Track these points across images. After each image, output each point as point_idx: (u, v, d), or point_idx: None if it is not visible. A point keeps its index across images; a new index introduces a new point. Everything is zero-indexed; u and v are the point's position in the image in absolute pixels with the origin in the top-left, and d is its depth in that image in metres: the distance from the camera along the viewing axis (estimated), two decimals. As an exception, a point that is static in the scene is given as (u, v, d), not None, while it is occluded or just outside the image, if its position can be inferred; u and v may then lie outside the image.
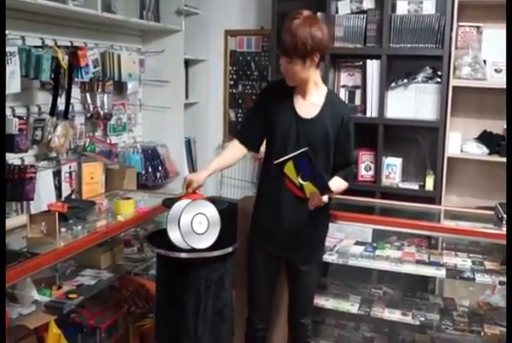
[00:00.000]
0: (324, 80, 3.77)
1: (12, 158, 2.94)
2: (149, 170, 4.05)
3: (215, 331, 2.49)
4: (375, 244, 3.02)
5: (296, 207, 2.47)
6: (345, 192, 3.31)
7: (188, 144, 4.62)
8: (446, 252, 2.94)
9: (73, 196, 3.32)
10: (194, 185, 2.48)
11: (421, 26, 3.56)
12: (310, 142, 2.43)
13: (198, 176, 2.51)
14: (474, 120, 3.71)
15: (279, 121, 2.49)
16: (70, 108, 3.29)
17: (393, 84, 3.71)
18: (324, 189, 2.29)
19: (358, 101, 3.84)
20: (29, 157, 3.10)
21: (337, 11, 3.81)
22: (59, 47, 3.13)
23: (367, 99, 3.76)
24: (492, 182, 3.61)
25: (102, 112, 3.61)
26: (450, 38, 3.47)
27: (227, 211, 2.59)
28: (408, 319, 2.82)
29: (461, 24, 3.50)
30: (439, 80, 3.59)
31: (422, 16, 3.57)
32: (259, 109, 2.63)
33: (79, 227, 2.73)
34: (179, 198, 2.51)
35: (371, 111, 3.75)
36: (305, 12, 2.38)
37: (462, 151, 3.61)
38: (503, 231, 2.58)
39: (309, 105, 2.50)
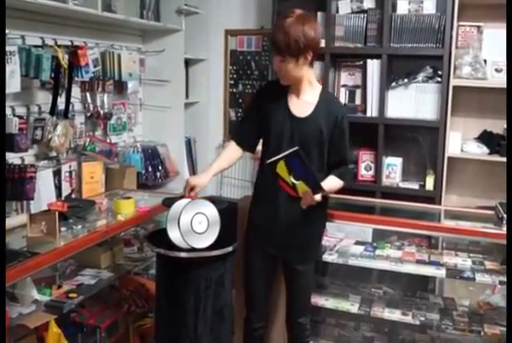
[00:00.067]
0: (325, 80, 3.81)
1: (12, 158, 2.94)
2: (149, 169, 4.05)
3: (215, 330, 2.49)
4: (375, 244, 3.02)
5: (291, 206, 2.47)
6: (346, 192, 3.32)
7: (189, 143, 4.62)
8: (446, 251, 2.94)
9: (73, 196, 3.31)
10: (197, 190, 2.49)
11: (421, 25, 3.55)
12: (304, 141, 2.44)
13: (200, 180, 2.52)
14: (474, 120, 3.71)
15: (273, 121, 2.50)
16: (70, 107, 3.28)
17: (393, 83, 3.71)
18: (317, 188, 2.29)
19: (358, 101, 3.84)
20: (29, 157, 3.10)
21: (337, 11, 3.81)
22: (59, 46, 3.13)
23: (368, 99, 3.76)
24: (492, 182, 3.61)
25: (102, 112, 3.61)
26: (451, 38, 3.47)
27: (227, 210, 2.59)
28: (408, 319, 2.82)
29: (461, 23, 3.50)
30: (439, 80, 3.58)
31: (422, 16, 3.57)
32: (254, 109, 2.65)
33: (79, 226, 2.73)
34: (181, 198, 2.51)
35: (371, 111, 3.75)
36: (298, 11, 2.38)
37: (462, 150, 3.61)
38: (504, 230, 2.58)
39: (303, 104, 2.50)
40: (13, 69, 2.77)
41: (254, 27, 4.50)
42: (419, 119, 3.67)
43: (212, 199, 2.57)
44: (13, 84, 2.78)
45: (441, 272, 2.74)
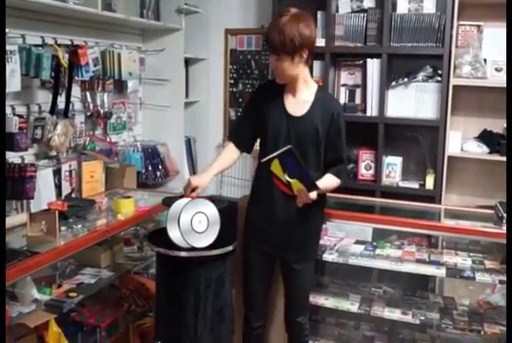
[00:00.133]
0: (325, 79, 3.81)
1: (13, 157, 2.94)
2: (149, 168, 4.05)
3: (215, 329, 2.49)
4: (375, 243, 3.02)
5: (287, 205, 2.47)
6: (346, 191, 3.33)
7: (189, 143, 4.62)
8: (446, 251, 2.94)
9: (73, 195, 3.31)
10: (198, 190, 2.49)
11: (421, 25, 3.55)
12: (301, 139, 2.45)
13: (202, 180, 2.52)
14: (474, 119, 3.71)
15: (270, 120, 2.51)
16: (71, 106, 3.28)
17: (393, 83, 3.71)
18: (311, 186, 2.29)
19: (358, 100, 3.84)
20: (29, 156, 3.10)
21: (337, 10, 3.81)
22: (59, 45, 3.13)
23: (368, 98, 3.76)
24: (492, 181, 3.62)
25: (102, 111, 3.60)
26: (450, 37, 3.47)
27: (227, 209, 2.59)
28: (408, 318, 2.82)
29: (461, 23, 3.50)
30: (439, 79, 3.59)
31: (422, 15, 3.57)
32: (250, 109, 2.66)
33: (79, 225, 2.74)
34: (181, 197, 2.51)
35: (371, 110, 3.75)
36: (293, 10, 2.39)
37: (462, 149, 3.61)
38: (503, 230, 2.58)
39: (299, 102, 2.51)
40: (14, 68, 2.77)
41: (254, 26, 4.50)
42: (419, 118, 3.67)
43: (212, 198, 2.56)
44: (14, 83, 2.78)
45: (441, 272, 2.74)
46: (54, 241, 2.47)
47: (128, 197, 3.06)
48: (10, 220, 2.67)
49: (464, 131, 3.67)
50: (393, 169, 3.76)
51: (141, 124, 4.25)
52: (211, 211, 2.43)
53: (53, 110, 3.14)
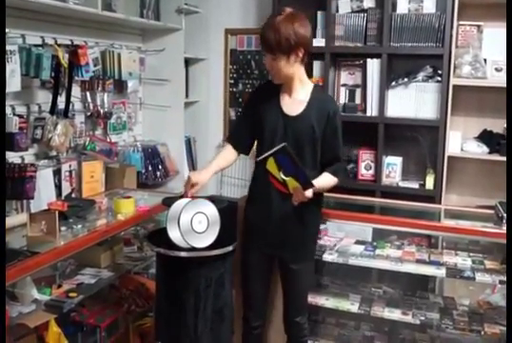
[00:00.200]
0: (325, 79, 3.81)
1: (13, 157, 2.94)
2: (149, 168, 4.05)
3: (215, 330, 2.49)
4: (375, 243, 3.02)
5: (284, 203, 2.47)
6: (345, 191, 3.33)
7: (189, 143, 4.62)
8: (446, 251, 2.94)
9: (73, 195, 3.31)
10: (198, 187, 2.49)
11: (421, 25, 3.56)
12: (297, 139, 2.45)
13: (202, 177, 2.52)
14: (474, 119, 3.71)
15: (266, 120, 2.52)
16: (71, 106, 3.28)
17: (393, 83, 3.72)
18: (307, 184, 2.29)
19: (358, 100, 3.84)
20: (29, 156, 3.10)
21: (337, 10, 3.81)
22: (59, 45, 3.13)
23: (368, 98, 3.76)
24: (492, 181, 3.62)
25: (102, 111, 3.60)
26: (450, 37, 3.47)
27: (227, 209, 2.58)
28: (408, 318, 2.82)
29: (461, 23, 3.50)
30: (439, 79, 3.59)
31: (422, 15, 3.57)
32: (247, 111, 2.68)
33: (79, 226, 2.74)
34: (181, 197, 2.51)
35: (371, 110, 3.75)
36: (288, 9, 2.40)
37: (462, 149, 3.61)
38: (503, 230, 2.58)
39: (295, 102, 2.51)
40: (14, 68, 2.77)
41: (254, 26, 4.49)
42: (419, 118, 3.68)
43: (212, 198, 2.56)
44: (14, 83, 2.78)
45: (441, 272, 2.74)
46: (54, 241, 2.47)
47: (128, 197, 3.06)
48: (10, 220, 2.67)
49: (464, 131, 3.67)
50: (393, 169, 3.77)
51: (141, 124, 4.25)
52: (211, 211, 2.43)
53: (53, 110, 3.14)
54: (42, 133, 3.10)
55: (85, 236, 2.62)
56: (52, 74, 3.06)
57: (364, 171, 3.85)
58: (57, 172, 3.23)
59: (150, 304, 3.08)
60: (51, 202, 2.67)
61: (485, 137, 3.63)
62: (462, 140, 3.62)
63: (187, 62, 4.49)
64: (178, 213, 2.34)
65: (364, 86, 3.80)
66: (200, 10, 4.49)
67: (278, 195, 2.47)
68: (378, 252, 2.90)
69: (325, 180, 2.50)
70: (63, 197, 3.21)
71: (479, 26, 3.51)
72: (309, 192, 2.32)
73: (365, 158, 3.83)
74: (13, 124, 2.89)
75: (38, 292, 2.50)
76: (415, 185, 3.73)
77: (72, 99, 3.30)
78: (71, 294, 2.62)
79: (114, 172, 3.59)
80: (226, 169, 2.79)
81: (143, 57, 4.12)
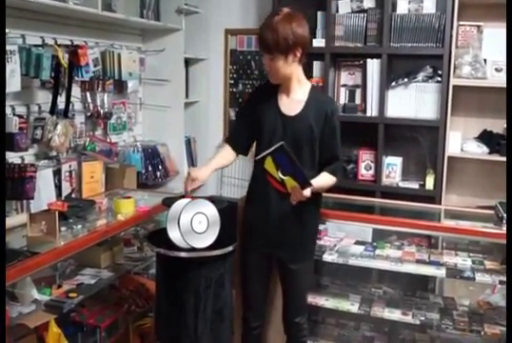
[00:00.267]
0: (325, 79, 3.81)
1: (12, 157, 2.94)
2: (149, 169, 4.05)
3: (215, 330, 2.49)
4: (375, 243, 3.02)
5: (282, 203, 2.47)
6: (345, 192, 3.33)
7: (189, 143, 4.62)
8: (446, 251, 2.94)
9: (73, 195, 3.31)
10: (198, 183, 2.49)
11: (421, 25, 3.56)
12: (296, 139, 2.45)
13: (201, 174, 2.51)
14: (474, 119, 3.71)
15: (265, 120, 2.52)
16: (71, 107, 3.28)
17: (393, 83, 3.72)
18: (305, 183, 2.29)
19: (358, 100, 3.84)
20: (29, 156, 3.10)
21: (337, 10, 3.81)
22: (59, 45, 3.13)
23: (368, 98, 3.76)
24: (492, 181, 3.62)
25: (102, 111, 3.60)
26: (450, 37, 3.47)
27: (227, 210, 2.58)
28: (408, 319, 2.82)
29: (461, 23, 3.50)
30: (439, 79, 3.59)
31: (422, 15, 3.57)
32: (245, 112, 2.68)
33: (79, 226, 2.73)
34: (181, 197, 2.51)
35: (371, 111, 3.75)
36: (286, 9, 2.41)
37: (462, 150, 3.62)
38: (503, 230, 2.58)
39: (293, 102, 2.51)
40: (14, 68, 2.77)
41: (254, 26, 4.48)
42: (419, 119, 3.68)
43: (212, 199, 2.56)
44: (13, 83, 2.78)
45: (441, 272, 2.74)
46: (54, 241, 2.47)
47: (128, 198, 3.05)
48: (10, 220, 2.67)
49: (464, 132, 3.67)
50: (393, 169, 3.77)
51: (141, 124, 4.25)
52: (211, 211, 2.43)
53: (53, 110, 3.14)
54: (42, 134, 3.10)
55: (85, 237, 2.62)
56: (52, 74, 3.06)
57: (364, 172, 3.85)
58: (57, 173, 3.23)
59: (150, 304, 3.08)
60: (51, 202, 2.67)
61: (485, 137, 3.63)
62: (462, 140, 3.62)
63: (187, 62, 4.49)
64: (178, 214, 2.34)
65: (364, 86, 3.80)
66: (200, 10, 4.49)
67: (276, 195, 2.47)
68: (378, 252, 2.90)
69: (324, 180, 2.50)
70: (63, 197, 3.21)
71: (479, 26, 3.51)
72: (307, 192, 2.31)
73: (365, 158, 3.83)
74: (13, 124, 2.89)
75: (38, 293, 2.50)
76: (415, 185, 3.73)
77: (72, 99, 3.30)
78: (71, 295, 2.61)
79: (114, 173, 3.59)
80: (225, 168, 2.80)
81: (143, 57, 4.12)
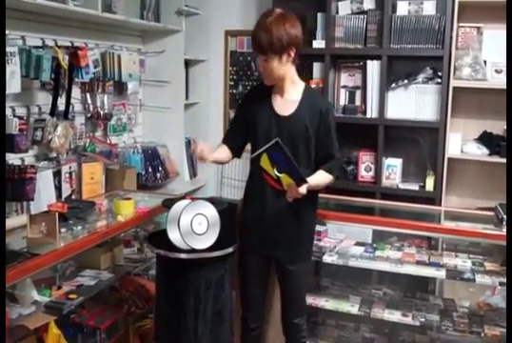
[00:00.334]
0: (325, 80, 3.81)
1: (13, 158, 2.94)
2: (149, 170, 4.05)
3: (215, 331, 2.49)
4: (375, 245, 3.02)
5: (278, 201, 2.47)
6: (346, 193, 3.33)
7: (189, 144, 4.61)
8: (446, 252, 2.94)
9: (73, 197, 3.31)
10: (204, 152, 2.48)
11: (421, 26, 3.56)
12: (291, 138, 2.45)
13: (207, 149, 2.51)
14: (474, 121, 3.71)
15: (259, 121, 2.53)
16: (71, 108, 3.28)
17: (393, 84, 3.72)
18: (300, 180, 2.30)
19: (358, 102, 3.85)
20: (29, 157, 3.10)
21: (337, 12, 3.82)
22: (59, 47, 3.13)
23: (368, 100, 3.76)
24: (492, 183, 3.62)
25: (102, 113, 3.60)
26: (450, 39, 3.48)
27: (227, 211, 2.59)
28: (408, 320, 2.82)
29: (461, 24, 3.50)
30: (439, 81, 3.59)
31: (422, 17, 3.58)
32: (240, 114, 2.70)
33: (79, 227, 2.73)
34: (181, 199, 2.51)
35: (371, 112, 3.76)
36: (278, 10, 2.43)
37: (462, 151, 3.62)
38: (504, 231, 2.58)
39: (287, 102, 2.52)
40: (14, 69, 2.77)
41: (254, 28, 4.49)
42: (419, 120, 3.68)
43: (212, 200, 2.57)
44: (14, 84, 2.78)
45: (441, 274, 2.74)
46: (54, 243, 2.46)
47: (128, 199, 3.05)
48: (11, 222, 2.67)
49: (464, 133, 3.67)
50: (393, 170, 3.77)
51: (141, 125, 4.25)
52: (211, 212, 2.43)
53: (53, 111, 3.14)
54: (42, 135, 3.10)
55: (85, 238, 2.62)
56: (52, 76, 3.06)
57: (364, 173, 3.85)
58: (57, 174, 3.23)
59: (150, 306, 3.08)
60: (51, 203, 2.67)
61: (485, 139, 3.63)
62: (462, 142, 3.62)
63: (187, 63, 4.49)
64: (178, 215, 2.34)
65: (364, 87, 3.80)
66: (200, 11, 4.49)
67: (272, 192, 2.48)
68: (378, 253, 2.90)
69: (320, 177, 2.51)
70: (63, 199, 3.21)
71: (479, 27, 3.51)
72: (303, 189, 2.31)
73: (365, 160, 3.83)
74: (13, 125, 2.89)
75: (38, 294, 2.50)
76: (415, 187, 3.73)
77: (72, 101, 3.30)
78: (71, 296, 2.61)
79: (114, 174, 3.59)
80: (221, 164, 2.87)
81: (143, 59, 4.13)
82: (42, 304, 2.51)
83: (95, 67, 3.46)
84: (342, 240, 3.09)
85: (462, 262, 2.79)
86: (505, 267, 2.59)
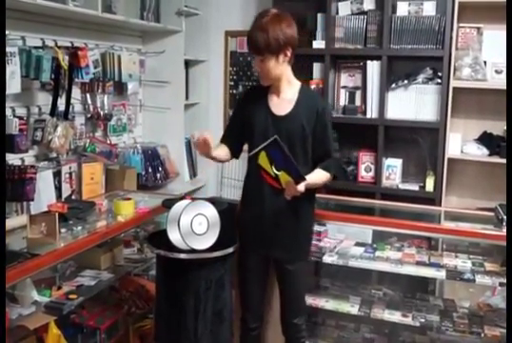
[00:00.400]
0: (325, 81, 3.81)
1: (13, 158, 2.94)
2: (149, 170, 4.05)
3: (215, 332, 2.49)
4: (375, 245, 3.02)
5: (276, 199, 2.47)
6: (346, 193, 3.33)
7: (189, 144, 4.61)
8: (446, 253, 2.94)
9: (73, 197, 3.31)
10: (206, 140, 2.50)
11: (421, 27, 3.56)
12: (288, 138, 2.46)
13: (210, 142, 2.52)
14: (474, 121, 3.71)
15: (256, 121, 2.54)
16: (71, 108, 3.28)
17: (393, 85, 3.72)
18: (299, 177, 2.30)
19: (358, 102, 3.84)
20: (29, 158, 3.10)
21: (337, 12, 3.82)
22: (59, 47, 3.13)
23: (368, 100, 3.76)
24: (492, 183, 3.62)
25: (102, 113, 3.60)
26: (450, 39, 3.48)
27: (227, 211, 2.59)
28: (408, 320, 2.82)
29: (461, 25, 3.50)
30: (439, 81, 3.59)
31: (422, 17, 3.58)
32: (237, 115, 2.72)
33: (79, 227, 2.73)
34: (181, 199, 2.51)
35: (371, 112, 3.76)
36: (273, 10, 2.45)
37: (462, 152, 3.62)
38: (503, 232, 2.58)
39: (283, 102, 2.53)
40: (14, 70, 2.78)
41: (254, 28, 4.49)
42: (419, 120, 3.68)
43: (212, 200, 2.57)
44: (14, 85, 2.78)
45: (441, 274, 2.73)
46: (54, 243, 2.46)
47: (128, 199, 3.05)
48: (11, 222, 2.67)
49: (464, 133, 3.67)
50: (393, 171, 3.76)
51: (141, 126, 4.25)
52: (211, 212, 2.44)
53: (53, 111, 3.14)
54: (42, 135, 3.10)
55: (85, 238, 2.62)
56: (52, 76, 3.06)
57: (364, 174, 3.84)
58: (57, 174, 3.24)
59: (150, 306, 3.08)
60: (51, 204, 2.67)
61: (485, 139, 3.63)
62: (462, 142, 3.62)
63: (187, 64, 4.49)
64: (178, 215, 2.34)
65: (364, 88, 3.80)
66: (200, 12, 4.49)
67: (270, 191, 2.48)
68: (378, 253, 2.90)
69: (317, 175, 2.51)
70: (63, 199, 3.21)
71: (479, 28, 3.51)
72: (301, 187, 2.32)
73: (365, 160, 3.83)
74: (13, 126, 2.89)
75: (38, 294, 2.50)
76: (415, 187, 3.73)
77: (72, 101, 3.30)
78: (71, 296, 2.61)
79: (114, 174, 3.59)
80: (220, 162, 2.92)
81: (143, 59, 4.13)
82: (42, 304, 2.51)
83: (95, 67, 3.46)
84: (342, 240, 3.09)
85: (462, 262, 2.79)
86: (505, 267, 2.58)
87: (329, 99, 3.85)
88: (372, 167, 3.81)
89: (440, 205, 3.54)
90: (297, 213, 2.55)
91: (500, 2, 3.23)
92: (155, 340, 2.63)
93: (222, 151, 2.67)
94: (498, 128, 3.60)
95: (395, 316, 2.85)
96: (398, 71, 3.78)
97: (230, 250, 2.46)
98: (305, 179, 2.31)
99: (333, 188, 3.56)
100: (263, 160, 2.27)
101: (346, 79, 3.90)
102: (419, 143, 3.78)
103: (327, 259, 2.88)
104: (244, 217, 2.67)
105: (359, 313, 2.90)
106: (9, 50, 2.73)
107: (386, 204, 3.38)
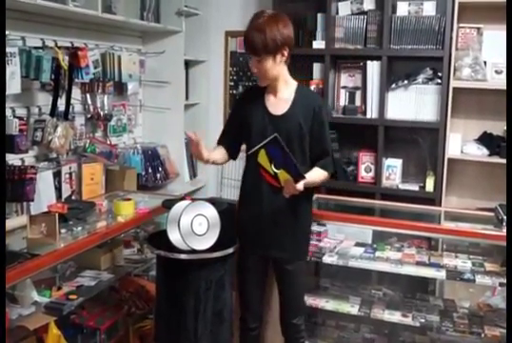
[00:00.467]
0: (325, 81, 3.81)
1: (13, 159, 2.94)
2: (150, 170, 4.05)
3: (215, 332, 2.49)
4: (375, 245, 3.02)
5: (275, 197, 2.47)
6: (346, 194, 3.33)
7: (189, 145, 4.62)
8: (446, 253, 2.94)
9: (73, 197, 3.31)
10: (200, 145, 2.48)
11: (421, 27, 3.56)
12: (285, 137, 2.45)
13: (203, 146, 2.51)
14: (474, 121, 3.71)
15: (253, 122, 2.54)
16: (71, 108, 3.28)
17: (393, 85, 3.72)
18: (298, 176, 2.30)
19: (358, 102, 3.85)
20: (29, 158, 3.10)
21: (337, 12, 3.82)
22: (59, 47, 3.13)
23: (368, 100, 3.76)
24: (492, 183, 3.62)
25: (102, 113, 3.60)
26: (450, 39, 3.48)
27: (227, 212, 2.59)
28: (408, 321, 2.82)
29: (461, 25, 3.50)
30: (439, 81, 3.59)
31: (422, 17, 3.58)
32: (234, 116, 2.72)
33: (79, 228, 2.73)
34: (181, 199, 2.51)
35: (371, 113, 3.76)
36: (269, 11, 2.48)
37: (462, 152, 3.62)
38: (503, 232, 2.58)
39: (280, 101, 2.54)
40: (14, 70, 2.78)
41: (254, 28, 4.49)
42: (419, 121, 3.68)
43: (212, 201, 2.57)
44: (14, 85, 2.78)
45: (441, 274, 2.73)
46: (54, 243, 2.46)
47: (128, 199, 3.05)
48: (11, 222, 2.67)
49: (464, 134, 3.67)
50: (393, 171, 3.76)
51: (141, 126, 4.25)
52: (211, 213, 2.43)
53: (53, 112, 3.14)
54: (42, 136, 3.10)
55: (85, 238, 2.62)
56: (52, 76, 3.06)
57: (365, 174, 3.84)
58: (57, 175, 3.24)
59: (150, 306, 3.08)
60: (51, 204, 2.67)
61: (485, 139, 3.63)
62: (462, 142, 3.62)
63: (187, 64, 4.49)
64: (178, 216, 2.34)
65: (364, 88, 3.80)
66: (200, 12, 4.49)
67: (269, 189, 2.48)
68: (378, 254, 2.90)
69: (316, 174, 2.52)
70: (63, 199, 3.21)
71: (479, 28, 3.51)
72: (300, 185, 2.32)
73: (365, 160, 3.83)
74: (13, 126, 2.89)
75: (38, 295, 2.50)
76: (415, 187, 3.73)
77: (72, 101, 3.30)
78: (71, 297, 2.61)
79: (114, 175, 3.59)
80: (218, 165, 2.85)
81: (143, 59, 4.13)
82: (42, 305, 2.51)
83: (95, 67, 3.46)
84: (342, 241, 3.09)
85: (462, 263, 2.79)
86: (505, 267, 2.58)
87: (329, 99, 3.85)
88: (372, 167, 3.81)
89: (440, 205, 3.54)
90: (295, 212, 2.55)
91: (500, 2, 3.23)
92: (155, 340, 2.63)
93: (218, 154, 2.67)
94: (498, 128, 3.60)
95: (395, 317, 2.85)
96: (398, 72, 3.78)
97: (230, 250, 2.46)
98: (304, 177, 2.31)
99: (333, 188, 3.57)
100: (262, 158, 2.27)
101: (346, 79, 3.90)
102: (419, 143, 3.78)
103: (327, 259, 2.88)
104: (242, 216, 2.66)
105: (359, 314, 2.90)
106: (9, 51, 2.73)
107: (386, 204, 3.38)
